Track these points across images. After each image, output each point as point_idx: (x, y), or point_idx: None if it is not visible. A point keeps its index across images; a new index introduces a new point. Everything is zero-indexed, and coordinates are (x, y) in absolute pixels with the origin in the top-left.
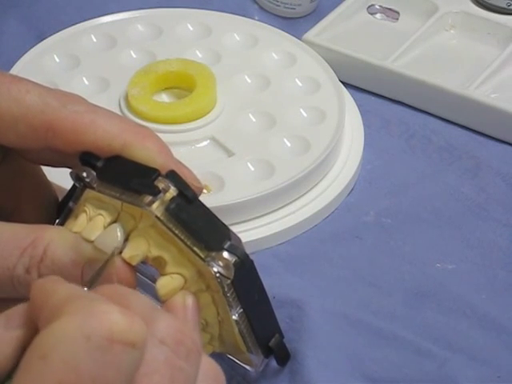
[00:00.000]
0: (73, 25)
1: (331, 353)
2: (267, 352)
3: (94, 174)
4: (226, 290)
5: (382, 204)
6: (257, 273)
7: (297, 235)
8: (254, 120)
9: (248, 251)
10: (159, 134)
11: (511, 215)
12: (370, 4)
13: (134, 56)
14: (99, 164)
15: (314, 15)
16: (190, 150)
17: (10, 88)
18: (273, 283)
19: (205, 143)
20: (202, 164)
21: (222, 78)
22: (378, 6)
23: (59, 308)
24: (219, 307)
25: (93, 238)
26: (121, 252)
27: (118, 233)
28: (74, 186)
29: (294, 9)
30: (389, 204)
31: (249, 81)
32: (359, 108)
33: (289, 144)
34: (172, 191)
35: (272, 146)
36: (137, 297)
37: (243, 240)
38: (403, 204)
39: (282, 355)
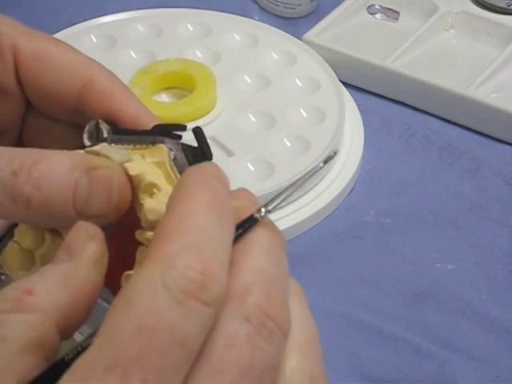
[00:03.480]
0: (73, 25)
1: (331, 353)
2: None
3: (111, 129)
4: None
5: (382, 204)
6: None
7: (297, 235)
8: (254, 120)
9: None
10: None
11: (511, 215)
12: (369, 4)
13: (134, 56)
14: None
15: (314, 15)
16: None
17: (62, 41)
18: None
19: None
20: None
21: (222, 78)
22: (377, 6)
23: (168, 230)
24: None
25: (97, 148)
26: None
27: (124, 150)
28: (82, 147)
29: (294, 9)
30: (389, 204)
31: (249, 81)
32: (359, 108)
33: (289, 144)
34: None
35: (272, 146)
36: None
37: None
38: (403, 204)
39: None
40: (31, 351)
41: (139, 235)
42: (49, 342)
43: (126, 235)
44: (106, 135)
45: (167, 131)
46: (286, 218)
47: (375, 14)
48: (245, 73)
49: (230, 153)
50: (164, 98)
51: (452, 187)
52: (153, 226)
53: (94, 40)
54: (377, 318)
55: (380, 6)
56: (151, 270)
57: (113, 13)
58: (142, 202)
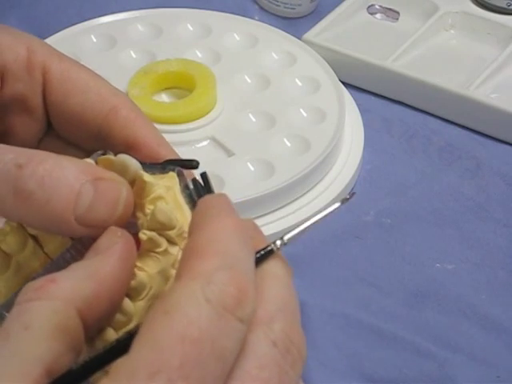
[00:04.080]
0: (73, 25)
1: (331, 353)
2: None
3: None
4: None
5: (381, 204)
6: None
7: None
8: (254, 120)
9: None
10: None
11: (511, 215)
12: (369, 4)
13: (134, 56)
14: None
15: (314, 15)
16: (190, 150)
17: (85, 66)
18: None
19: (205, 143)
20: (202, 164)
21: (222, 78)
22: (378, 6)
23: (200, 248)
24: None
25: (113, 158)
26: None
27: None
28: None
29: (294, 9)
30: (389, 204)
31: (249, 81)
32: (359, 108)
33: (289, 144)
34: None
35: (272, 146)
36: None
37: None
38: (403, 204)
39: None
40: (55, 337)
41: (144, 235)
42: (72, 329)
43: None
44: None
45: (179, 165)
46: (285, 217)
47: (375, 13)
48: (245, 73)
49: (230, 153)
50: (164, 98)
51: (452, 187)
52: (158, 233)
53: (94, 40)
54: (377, 317)
55: (380, 6)
56: (191, 285)
57: (113, 13)
58: (151, 208)
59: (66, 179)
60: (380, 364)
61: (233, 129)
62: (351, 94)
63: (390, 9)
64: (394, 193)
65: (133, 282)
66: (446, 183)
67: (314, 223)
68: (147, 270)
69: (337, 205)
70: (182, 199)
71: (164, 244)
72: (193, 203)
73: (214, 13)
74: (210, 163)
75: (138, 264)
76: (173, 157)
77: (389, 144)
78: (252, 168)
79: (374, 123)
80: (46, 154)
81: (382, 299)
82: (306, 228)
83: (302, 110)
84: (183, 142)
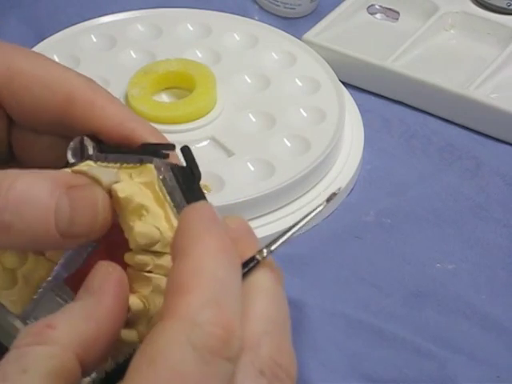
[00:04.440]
0: (73, 25)
1: (331, 353)
2: None
3: (96, 146)
4: None
5: (381, 204)
6: None
7: (297, 235)
8: (254, 120)
9: None
10: None
11: (511, 215)
12: (369, 4)
13: (134, 56)
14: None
15: (314, 15)
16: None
17: (37, 55)
18: None
19: (205, 143)
20: (202, 164)
21: (222, 78)
22: (378, 6)
23: (183, 282)
24: None
25: (85, 169)
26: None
27: (112, 170)
28: (66, 164)
29: (294, 9)
30: (389, 204)
31: (249, 81)
32: (359, 108)
33: (289, 144)
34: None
35: (272, 146)
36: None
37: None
38: (403, 204)
39: None
40: (52, 381)
41: (129, 259)
42: (69, 373)
43: (111, 243)
44: (91, 152)
45: (155, 150)
46: (286, 217)
47: (375, 13)
48: (245, 73)
49: (230, 153)
50: (164, 98)
51: (452, 187)
52: (143, 249)
53: (94, 40)
54: (377, 317)
55: (380, 6)
56: (175, 328)
57: (113, 13)
58: (131, 224)
59: (39, 200)
60: (380, 364)
61: (233, 129)
62: (351, 93)
63: (390, 9)
64: (393, 193)
65: (129, 314)
66: (446, 183)
67: (300, 225)
68: (140, 291)
69: (324, 203)
70: (164, 193)
71: (151, 261)
72: (174, 191)
73: (214, 13)
74: (209, 163)
75: (131, 285)
76: (143, 125)
77: (389, 144)
78: (252, 168)
79: (374, 123)
80: (14, 175)
81: (382, 299)
82: (291, 232)
83: (301, 110)
84: (183, 142)
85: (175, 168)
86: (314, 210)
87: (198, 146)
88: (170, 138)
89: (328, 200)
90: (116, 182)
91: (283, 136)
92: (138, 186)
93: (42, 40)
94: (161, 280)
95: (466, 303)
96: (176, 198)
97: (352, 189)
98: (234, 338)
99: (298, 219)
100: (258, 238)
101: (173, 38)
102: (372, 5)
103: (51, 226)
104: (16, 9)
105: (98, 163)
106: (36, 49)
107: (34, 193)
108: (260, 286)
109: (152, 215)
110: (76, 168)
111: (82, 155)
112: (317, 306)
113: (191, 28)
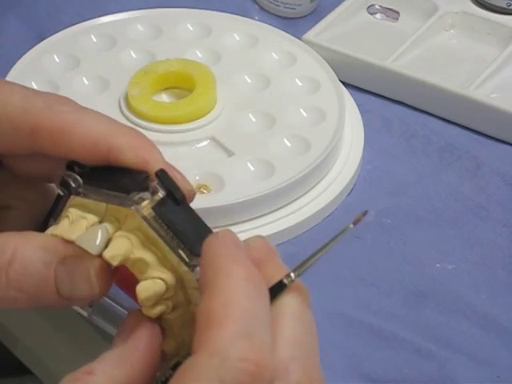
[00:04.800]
0: (73, 25)
1: (331, 353)
2: None
3: (80, 179)
4: None
5: (382, 204)
6: None
7: (297, 235)
8: (253, 120)
9: None
10: (159, 134)
11: (511, 215)
12: (369, 4)
13: (134, 56)
14: (86, 170)
15: (314, 15)
16: (190, 149)
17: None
18: None
19: (205, 143)
20: (202, 164)
21: (222, 78)
22: (378, 6)
23: (214, 314)
24: None
25: (73, 238)
26: (101, 254)
27: (100, 232)
28: (58, 197)
29: (294, 9)
30: (389, 204)
31: (249, 81)
32: (359, 108)
33: (289, 144)
34: (160, 193)
35: (272, 146)
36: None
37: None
38: (403, 204)
39: None
40: None
41: (147, 313)
42: None
43: None
44: (74, 185)
45: (137, 183)
46: (286, 218)
47: (375, 13)
48: (245, 73)
49: (230, 153)
50: (164, 98)
51: (452, 187)
52: (152, 303)
53: (94, 40)
54: (377, 317)
55: (380, 6)
56: (206, 363)
57: (113, 13)
58: (139, 277)
59: (39, 272)
60: (380, 364)
61: (233, 129)
62: (351, 94)
63: (390, 9)
64: (393, 193)
65: (167, 355)
66: (446, 183)
67: (326, 250)
68: (170, 332)
69: (350, 226)
70: (153, 233)
71: (167, 308)
72: (167, 222)
73: (214, 13)
74: (209, 163)
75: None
76: (121, 147)
77: (389, 144)
78: (252, 168)
79: (374, 123)
80: (11, 246)
81: (382, 299)
82: (318, 255)
83: (302, 110)
84: (183, 142)
85: (157, 203)
86: (340, 233)
87: (197, 146)
88: (170, 138)
89: (354, 223)
90: (106, 243)
91: (283, 136)
92: (127, 238)
93: (42, 40)
94: (184, 312)
95: (465, 303)
96: (169, 231)
97: (352, 189)
98: (266, 371)
99: (323, 243)
100: (280, 257)
101: (173, 38)
102: (372, 5)
103: (53, 293)
104: (16, 9)
105: (86, 200)
106: (36, 49)
107: (32, 266)
108: (287, 311)
109: (151, 265)
110: (66, 237)
111: (69, 188)
112: (317, 305)
113: (191, 28)
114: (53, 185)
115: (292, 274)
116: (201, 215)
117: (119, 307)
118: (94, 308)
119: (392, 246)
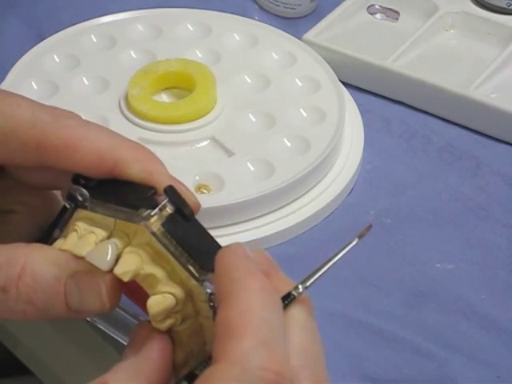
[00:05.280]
0: (73, 25)
1: (331, 353)
2: None
3: (87, 193)
4: None
5: (382, 204)
6: None
7: (297, 235)
8: (254, 120)
9: None
10: (159, 134)
11: (511, 215)
12: (370, 4)
13: (134, 56)
14: (92, 184)
15: (314, 15)
16: (190, 149)
17: (2, 103)
18: None
19: (205, 143)
20: (202, 164)
21: (222, 78)
22: (378, 6)
23: (233, 325)
24: (207, 336)
25: (84, 254)
26: (112, 270)
27: (110, 248)
28: (63, 209)
29: (294, 9)
30: (389, 204)
31: (249, 81)
32: (359, 108)
33: (289, 144)
34: (169, 209)
35: (272, 146)
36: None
37: (243, 240)
38: (403, 204)
39: None
40: None
41: (158, 326)
42: None
43: None
44: (81, 199)
45: (145, 198)
46: (286, 218)
47: (375, 13)
48: (245, 73)
49: (229, 153)
50: (164, 98)
51: (452, 187)
52: (162, 317)
53: (94, 40)
54: (377, 317)
55: (380, 6)
56: (228, 372)
57: (113, 13)
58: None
59: (49, 286)
60: (380, 364)
61: (233, 129)
62: (351, 94)
63: (390, 9)
64: (393, 193)
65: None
66: (446, 183)
67: (331, 264)
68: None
69: (355, 241)
70: (162, 248)
71: (177, 321)
72: (176, 238)
73: (214, 13)
74: (210, 163)
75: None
76: (126, 160)
77: (389, 144)
78: (252, 168)
79: (374, 123)
80: (21, 260)
81: (382, 299)
82: (325, 269)
83: (301, 110)
84: (183, 142)
85: (166, 220)
86: (345, 247)
87: (197, 146)
88: (170, 138)
89: (360, 237)
90: (116, 259)
91: (283, 136)
92: (137, 254)
93: (42, 40)
94: (193, 322)
95: (465, 303)
96: (178, 246)
97: (352, 189)
98: (285, 380)
99: (329, 257)
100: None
101: (173, 38)
102: (372, 5)
103: (63, 307)
104: (16, 9)
105: (92, 214)
106: (36, 49)
107: (43, 280)
108: (296, 321)
109: (161, 280)
110: (77, 252)
111: (76, 202)
112: (317, 305)
113: (191, 28)
114: (56, 191)
115: (300, 287)
116: (201, 215)
117: (121, 311)
118: None
119: (392, 246)
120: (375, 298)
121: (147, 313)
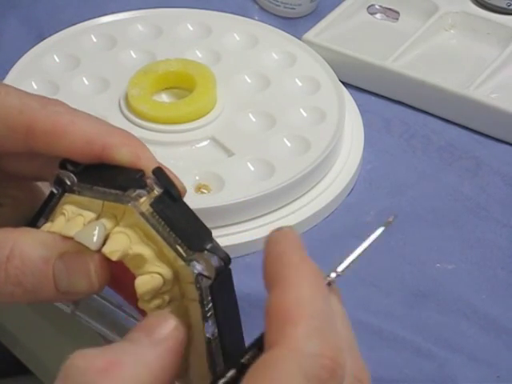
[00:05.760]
0: (73, 25)
1: None
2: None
3: (74, 177)
4: (203, 296)
5: (382, 204)
6: (233, 285)
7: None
8: (254, 120)
9: (248, 251)
10: (159, 134)
11: (511, 215)
12: (369, 4)
13: (134, 56)
14: (79, 168)
15: (314, 15)
16: (190, 149)
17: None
18: None
19: (205, 143)
20: (202, 164)
21: (222, 78)
22: (378, 6)
23: (288, 310)
24: (192, 319)
25: (72, 234)
26: (100, 249)
27: (98, 228)
28: (50, 194)
29: (294, 9)
30: (389, 204)
31: (249, 81)
32: (359, 108)
33: (289, 144)
34: (156, 190)
35: (272, 146)
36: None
37: (243, 240)
38: (403, 204)
39: None
40: None
41: (143, 306)
42: None
43: None
44: (69, 183)
45: (133, 180)
46: (286, 218)
47: (375, 13)
48: (245, 73)
49: (229, 153)
50: (164, 98)
51: (452, 187)
52: (150, 297)
53: (94, 40)
54: (377, 318)
55: (380, 6)
56: (287, 359)
57: (113, 13)
58: (136, 274)
59: (37, 268)
60: (380, 364)
61: (233, 129)
62: (351, 94)
63: (390, 9)
64: (393, 193)
65: None
66: (446, 183)
67: (363, 250)
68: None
69: (381, 229)
70: (151, 229)
71: (163, 302)
72: (164, 218)
73: (214, 13)
74: (209, 163)
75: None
76: (115, 145)
77: (389, 144)
78: (252, 168)
79: (374, 123)
80: (10, 242)
81: (382, 299)
82: (357, 257)
83: (301, 110)
84: (183, 142)
85: (154, 200)
86: (372, 234)
87: (197, 146)
88: (170, 138)
89: (385, 225)
90: (104, 239)
91: (283, 136)
92: (125, 234)
93: (42, 40)
94: (178, 308)
95: (465, 303)
96: (166, 226)
97: (352, 189)
98: (340, 367)
99: (361, 244)
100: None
101: (173, 38)
102: (372, 5)
103: (51, 288)
104: (16, 9)
105: (80, 198)
106: (36, 49)
107: (32, 262)
108: (333, 308)
109: (149, 260)
110: (64, 232)
111: (64, 186)
112: None
113: (191, 28)
114: (40, 184)
115: (333, 274)
116: (201, 215)
117: (104, 301)
118: (78, 304)
119: (392, 245)
120: (375, 298)
121: (131, 302)
